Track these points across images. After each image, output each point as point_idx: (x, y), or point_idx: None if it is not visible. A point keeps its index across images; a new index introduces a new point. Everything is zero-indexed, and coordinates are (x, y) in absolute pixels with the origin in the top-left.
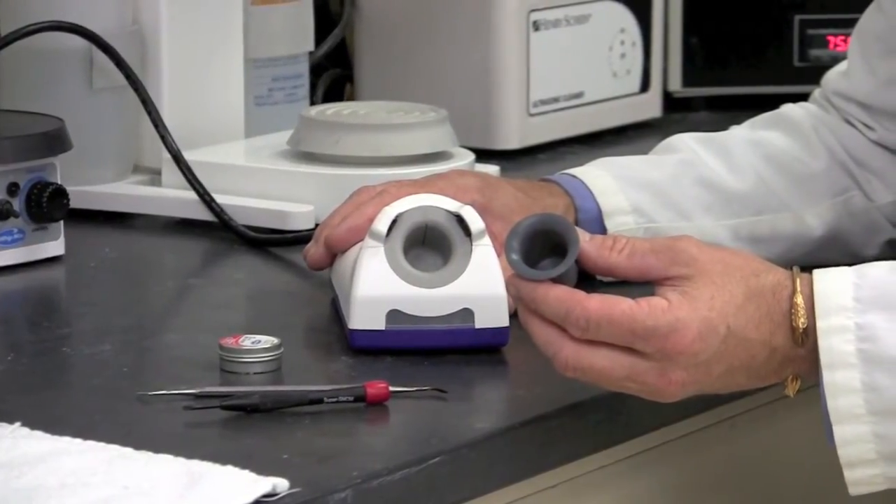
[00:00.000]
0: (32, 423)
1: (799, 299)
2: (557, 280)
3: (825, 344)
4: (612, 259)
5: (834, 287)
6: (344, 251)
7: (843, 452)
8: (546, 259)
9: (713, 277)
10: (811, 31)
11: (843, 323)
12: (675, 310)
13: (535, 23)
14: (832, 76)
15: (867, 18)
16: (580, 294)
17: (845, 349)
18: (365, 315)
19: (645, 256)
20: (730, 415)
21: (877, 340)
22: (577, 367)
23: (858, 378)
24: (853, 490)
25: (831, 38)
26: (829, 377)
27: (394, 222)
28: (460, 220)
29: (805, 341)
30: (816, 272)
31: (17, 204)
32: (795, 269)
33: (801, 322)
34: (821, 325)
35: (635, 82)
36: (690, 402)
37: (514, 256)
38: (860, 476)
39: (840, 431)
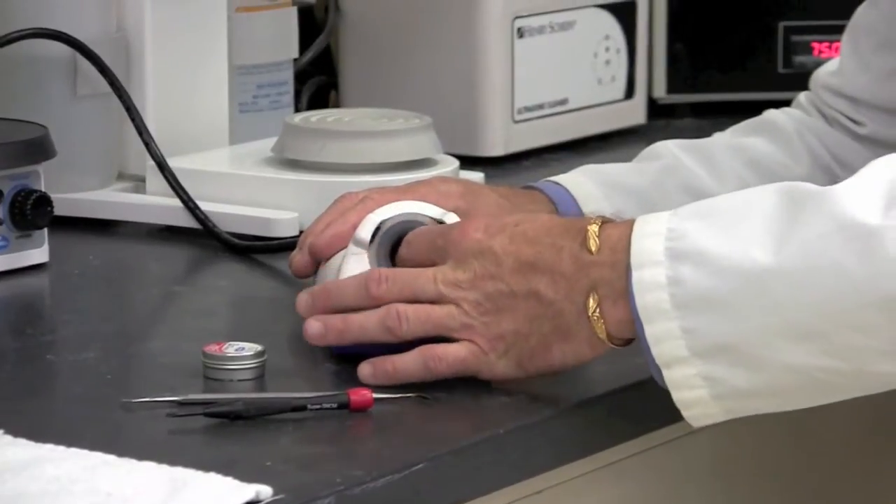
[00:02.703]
0: (15, 430)
1: (594, 226)
2: None
3: (637, 247)
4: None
5: (655, 214)
6: (328, 258)
7: (657, 351)
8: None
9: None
10: (796, 38)
11: (657, 228)
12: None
13: (519, 29)
14: (821, 73)
15: (860, 14)
16: None
17: (655, 248)
18: None
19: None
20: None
21: (684, 238)
22: (385, 274)
23: (664, 273)
24: (676, 395)
25: (816, 45)
26: (637, 276)
27: (377, 229)
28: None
29: (599, 251)
30: None
31: (1, 211)
32: None
33: (594, 229)
34: (636, 231)
35: (620, 89)
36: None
37: (384, 255)
38: (677, 376)
39: (650, 330)
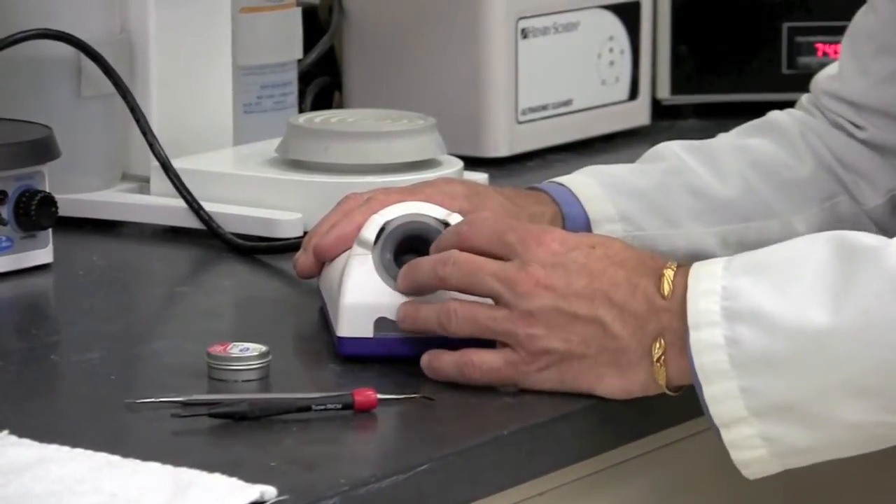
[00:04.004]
0: (20, 431)
1: (669, 270)
2: None
3: (693, 306)
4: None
5: (706, 266)
6: (332, 259)
7: (715, 411)
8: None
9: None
10: (800, 39)
11: (711, 286)
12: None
13: (523, 30)
14: (822, 78)
15: (859, 18)
16: None
17: (711, 308)
18: (353, 323)
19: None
20: None
21: (739, 297)
22: (458, 258)
23: (721, 334)
24: (735, 455)
25: (820, 46)
26: (694, 336)
27: (381, 230)
28: (448, 228)
29: (671, 296)
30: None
31: (6, 212)
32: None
33: (669, 274)
34: (691, 289)
35: (624, 90)
36: (678, 408)
37: (388, 256)
38: (736, 437)
39: (709, 391)
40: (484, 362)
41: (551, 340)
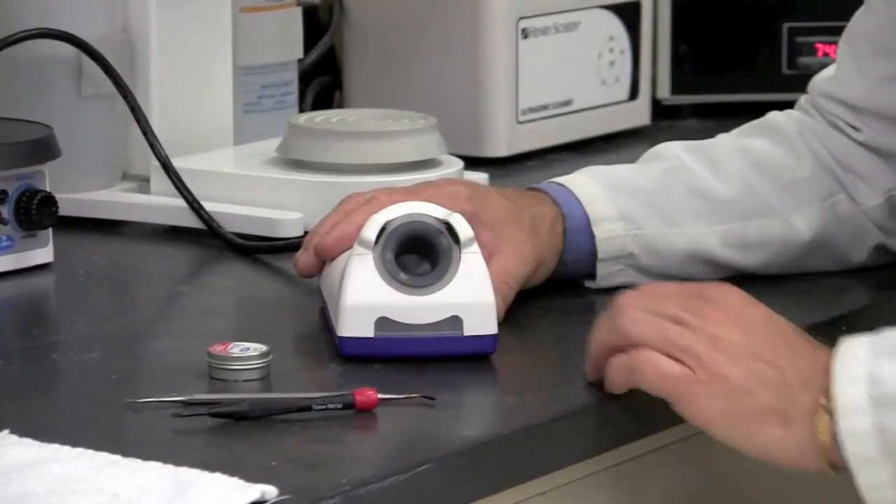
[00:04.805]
0: (21, 431)
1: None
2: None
3: (839, 393)
4: None
5: (852, 344)
6: (333, 259)
7: (868, 496)
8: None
9: None
10: (800, 39)
11: (855, 373)
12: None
13: (524, 30)
14: (819, 80)
15: (857, 20)
16: None
17: (858, 395)
18: (353, 322)
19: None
20: None
21: (885, 383)
22: (638, 303)
23: (870, 421)
24: None
25: (820, 46)
26: (843, 424)
27: (382, 230)
28: (449, 228)
29: (823, 376)
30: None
31: (6, 211)
32: None
33: (823, 357)
34: (837, 374)
35: (624, 90)
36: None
37: (389, 256)
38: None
39: (863, 479)
40: (661, 364)
41: (730, 368)
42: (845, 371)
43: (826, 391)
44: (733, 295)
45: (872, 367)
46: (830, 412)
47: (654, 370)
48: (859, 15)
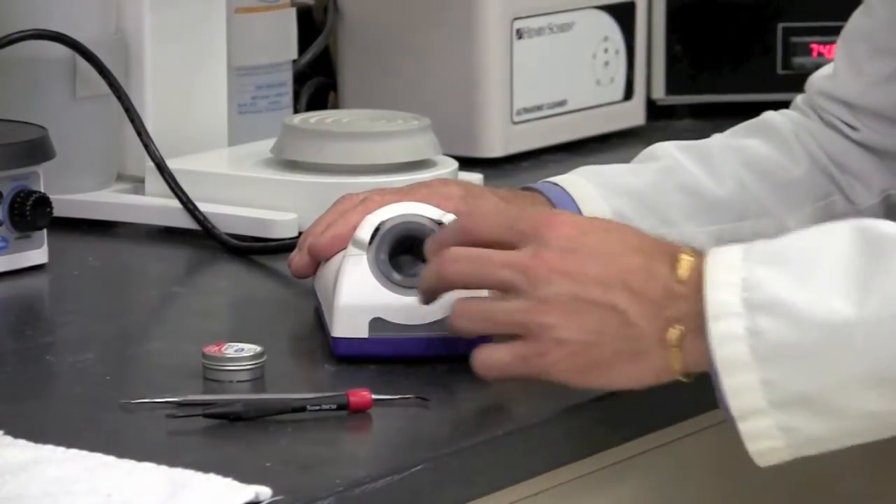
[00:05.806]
0: (15, 432)
1: (685, 255)
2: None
3: (711, 296)
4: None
5: (723, 255)
6: (328, 259)
7: (735, 404)
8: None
9: None
10: (795, 39)
11: (730, 278)
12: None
13: (518, 31)
14: (817, 78)
15: (855, 20)
16: None
17: (731, 300)
18: (348, 323)
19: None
20: (716, 421)
21: (760, 288)
22: (461, 254)
23: (742, 325)
24: (751, 446)
25: (815, 46)
26: (714, 327)
27: (377, 230)
28: (444, 226)
29: (688, 282)
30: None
31: (1, 212)
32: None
33: (687, 260)
34: (709, 279)
35: (619, 90)
36: (676, 407)
37: (383, 256)
38: (753, 428)
39: (729, 382)
40: (493, 359)
41: (565, 330)
42: (718, 276)
43: (687, 298)
44: (564, 227)
45: (747, 273)
46: (684, 324)
47: (494, 366)
48: (857, 14)
